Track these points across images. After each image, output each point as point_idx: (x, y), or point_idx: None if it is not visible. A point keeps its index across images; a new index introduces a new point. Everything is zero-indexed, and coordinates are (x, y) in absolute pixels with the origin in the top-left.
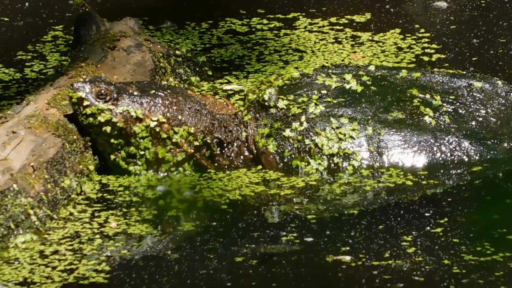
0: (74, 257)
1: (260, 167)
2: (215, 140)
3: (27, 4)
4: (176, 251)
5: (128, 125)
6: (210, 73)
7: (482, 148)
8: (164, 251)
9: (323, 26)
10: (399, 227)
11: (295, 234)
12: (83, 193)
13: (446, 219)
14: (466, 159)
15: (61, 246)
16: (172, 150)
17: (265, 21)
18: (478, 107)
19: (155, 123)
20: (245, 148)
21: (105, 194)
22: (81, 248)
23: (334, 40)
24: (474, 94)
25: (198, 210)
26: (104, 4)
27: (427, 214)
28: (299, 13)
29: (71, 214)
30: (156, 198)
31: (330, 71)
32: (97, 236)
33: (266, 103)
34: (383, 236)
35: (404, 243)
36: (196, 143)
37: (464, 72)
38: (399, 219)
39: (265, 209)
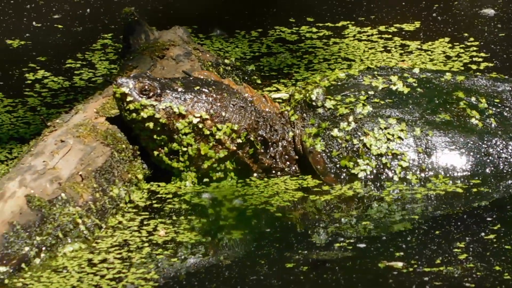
0: (123, 265)
1: (305, 174)
2: (259, 138)
3: (88, 10)
4: (226, 259)
5: (170, 121)
6: (259, 81)
7: None
8: (213, 259)
9: (372, 35)
10: (450, 233)
11: (347, 241)
12: (131, 202)
13: (498, 225)
14: None
15: (109, 254)
16: (215, 147)
17: (314, 30)
18: None
19: (198, 119)
20: (291, 149)
21: (153, 202)
22: (129, 257)
23: (383, 49)
24: None
25: (246, 217)
26: (153, 13)
27: (478, 220)
28: (348, 22)
29: (119, 222)
30: (205, 205)
31: (375, 72)
32: (146, 244)
33: (314, 103)
34: (434, 242)
35: (456, 250)
36: (239, 141)
37: (507, 77)
38: (450, 224)
39: (315, 216)
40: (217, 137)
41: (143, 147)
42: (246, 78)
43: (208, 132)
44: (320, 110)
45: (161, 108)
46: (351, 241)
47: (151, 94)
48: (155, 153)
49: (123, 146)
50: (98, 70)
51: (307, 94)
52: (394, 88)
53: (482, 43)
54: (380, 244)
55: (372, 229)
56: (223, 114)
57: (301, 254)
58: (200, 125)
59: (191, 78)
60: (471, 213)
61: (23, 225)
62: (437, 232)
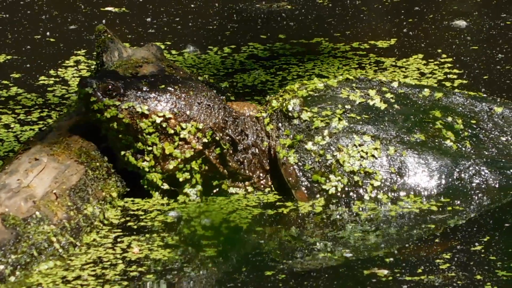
0: (97, 282)
1: (274, 187)
2: (227, 138)
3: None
4: (200, 275)
5: (134, 121)
6: (232, 98)
7: (501, 177)
8: (188, 275)
9: (347, 51)
10: (427, 246)
11: (330, 252)
12: (106, 220)
13: (477, 238)
14: (485, 187)
15: (84, 271)
16: (180, 146)
17: (287, 46)
18: (498, 133)
19: (161, 118)
20: (264, 158)
21: (127, 219)
22: (103, 274)
23: (357, 66)
24: (495, 119)
25: (221, 232)
26: (126, 30)
27: (455, 235)
28: (322, 38)
29: (93, 240)
30: (178, 222)
31: (354, 84)
32: (120, 261)
33: (290, 114)
34: (412, 255)
35: (438, 260)
36: (205, 140)
37: (485, 95)
38: (426, 239)
39: (288, 231)
40: (181, 136)
41: (116, 167)
42: (219, 95)
43: (172, 131)
44: (296, 121)
45: (124, 108)
46: (335, 251)
47: (114, 94)
48: (122, 153)
49: (97, 164)
50: (71, 86)
51: (284, 104)
52: (371, 103)
53: (455, 59)
54: (362, 254)
55: (347, 244)
56: (188, 112)
57: (280, 264)
58: (164, 124)
59: (159, 76)
60: (445, 230)
61: None
62: (411, 245)
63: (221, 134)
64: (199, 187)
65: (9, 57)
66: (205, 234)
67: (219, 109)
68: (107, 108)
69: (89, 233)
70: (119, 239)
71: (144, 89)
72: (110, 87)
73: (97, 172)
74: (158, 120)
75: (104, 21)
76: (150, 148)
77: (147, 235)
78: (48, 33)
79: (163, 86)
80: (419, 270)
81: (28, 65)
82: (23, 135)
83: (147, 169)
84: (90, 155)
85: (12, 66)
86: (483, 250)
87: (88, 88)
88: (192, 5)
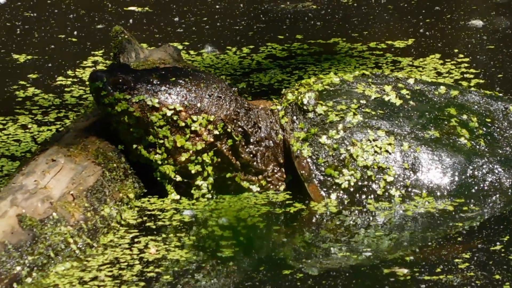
0: (114, 283)
1: (288, 181)
2: (239, 129)
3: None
4: (217, 275)
5: (144, 114)
6: (249, 99)
7: None
8: (205, 276)
9: (363, 51)
10: (445, 245)
11: (349, 251)
12: (123, 221)
13: (496, 237)
14: (498, 185)
15: (100, 272)
16: (192, 139)
17: (305, 46)
18: None
19: (172, 111)
20: (279, 151)
21: (144, 219)
22: (120, 274)
23: (374, 65)
24: (510, 118)
25: (238, 231)
26: (144, 31)
27: (470, 234)
28: (339, 39)
29: (110, 240)
30: (193, 221)
31: (370, 80)
32: (137, 262)
33: (305, 107)
34: (434, 253)
35: (456, 260)
36: (216, 132)
37: (501, 95)
38: (443, 238)
39: (307, 230)
40: (192, 128)
41: (134, 167)
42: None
43: (183, 124)
44: (311, 115)
45: (134, 101)
46: (353, 250)
47: (124, 87)
48: (134, 146)
49: (114, 165)
50: (88, 87)
51: (299, 97)
52: (386, 98)
53: (472, 58)
54: (382, 253)
55: (363, 243)
56: (198, 105)
57: (298, 263)
58: (175, 117)
59: (170, 69)
60: (461, 228)
61: (14, 245)
62: (429, 244)
63: (232, 126)
64: (210, 179)
65: (29, 57)
66: (221, 233)
67: (230, 101)
68: (117, 102)
69: (106, 234)
70: (136, 240)
71: (154, 82)
72: (120, 80)
73: (114, 173)
74: (169, 113)
75: (131, 20)
76: (161, 141)
77: (164, 235)
78: (75, 32)
79: (173, 79)
80: (438, 270)
81: (48, 65)
82: (40, 136)
83: (159, 162)
84: (107, 156)
85: (32, 66)
86: (503, 250)
87: (99, 82)
88: (217, 6)
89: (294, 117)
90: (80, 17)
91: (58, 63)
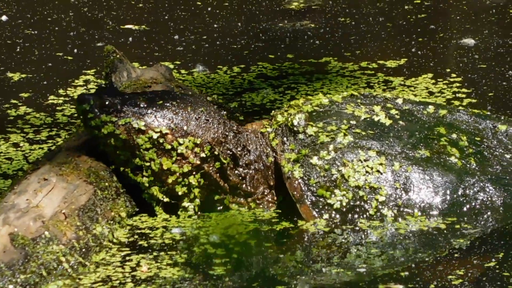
0: None
1: (279, 203)
2: (228, 152)
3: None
4: None
5: (131, 137)
6: (241, 118)
7: (506, 194)
8: None
9: (355, 71)
10: (438, 262)
11: (342, 268)
12: (115, 239)
13: (488, 255)
14: (490, 204)
15: None
16: (178, 161)
17: (296, 66)
18: (502, 151)
19: (158, 134)
20: (270, 174)
21: (136, 238)
22: None
23: (366, 85)
24: (499, 137)
25: (229, 249)
26: (135, 50)
27: (463, 253)
28: (331, 58)
29: (102, 259)
30: (183, 239)
31: (359, 100)
32: (129, 280)
33: (295, 128)
34: (428, 270)
35: (450, 276)
36: (203, 155)
37: (489, 113)
38: (435, 255)
39: (299, 247)
40: (179, 151)
41: (126, 186)
42: (228, 115)
43: (169, 147)
44: (301, 136)
45: (121, 124)
46: (346, 266)
47: (111, 110)
48: (121, 169)
49: (106, 184)
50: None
51: (289, 119)
52: (376, 119)
53: (464, 78)
54: (375, 270)
55: (355, 263)
56: (185, 128)
57: (292, 280)
58: (161, 140)
59: (158, 92)
60: (453, 246)
61: (6, 263)
62: (422, 261)
63: (220, 149)
64: (197, 201)
65: (23, 75)
66: (212, 251)
67: (218, 124)
68: (104, 124)
69: (98, 252)
70: (128, 258)
71: (141, 105)
72: (107, 103)
73: (106, 192)
74: (155, 135)
75: (130, 38)
76: (148, 164)
77: (155, 253)
78: (75, 50)
79: (161, 102)
80: (432, 286)
81: (41, 84)
82: (32, 154)
83: (147, 184)
84: (99, 175)
85: (25, 85)
86: (497, 266)
87: (86, 105)
88: (215, 25)
89: (285, 139)
90: (80, 35)
91: (52, 82)
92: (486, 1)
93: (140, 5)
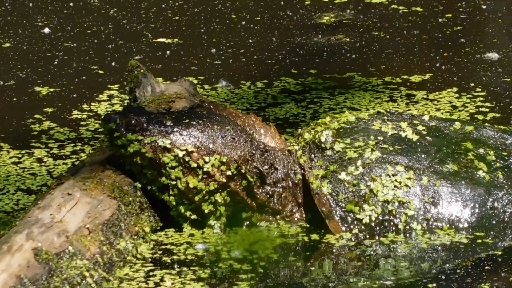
0: None
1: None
2: (255, 170)
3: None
4: None
5: (156, 156)
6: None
7: None
8: None
9: (378, 85)
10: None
11: (370, 281)
12: (139, 255)
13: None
14: None
15: None
16: (204, 179)
17: (320, 80)
18: None
19: (183, 152)
20: (298, 191)
21: (160, 253)
22: None
23: (389, 99)
24: None
25: (254, 264)
26: (159, 65)
27: (493, 267)
28: (355, 73)
29: (126, 274)
30: (207, 255)
31: (385, 117)
32: None
33: (323, 145)
34: (456, 282)
35: None
36: (229, 173)
37: None
38: (464, 269)
39: (324, 263)
40: (205, 169)
41: (151, 200)
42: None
43: (195, 165)
44: (329, 152)
45: (146, 142)
46: (368, 283)
47: (137, 128)
48: (149, 187)
49: (130, 199)
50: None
51: (316, 135)
52: (403, 134)
53: (488, 92)
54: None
55: (383, 275)
56: (210, 146)
57: None
58: (187, 158)
59: (185, 112)
60: (482, 260)
61: (30, 278)
62: (451, 275)
63: (247, 167)
64: (223, 219)
65: (52, 89)
66: (237, 266)
67: (245, 142)
68: (130, 143)
69: (122, 267)
70: (151, 273)
71: (167, 124)
72: (133, 122)
73: (130, 207)
74: (180, 154)
75: (168, 52)
76: (174, 182)
77: (179, 269)
78: (113, 63)
79: (187, 120)
80: None
81: (67, 98)
82: (55, 170)
83: (174, 203)
84: (123, 190)
85: (51, 99)
86: None
87: (112, 124)
88: (250, 40)
89: (312, 155)
90: (118, 48)
91: (77, 96)
92: None
93: (177, 17)
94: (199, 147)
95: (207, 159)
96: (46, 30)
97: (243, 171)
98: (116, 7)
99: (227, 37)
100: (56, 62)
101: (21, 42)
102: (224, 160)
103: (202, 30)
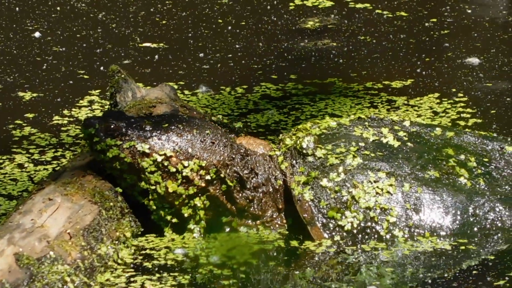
0: None
1: (289, 226)
2: (235, 175)
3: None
4: None
5: (135, 160)
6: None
7: None
8: None
9: (358, 91)
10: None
11: (353, 286)
12: (120, 260)
13: (497, 279)
14: (500, 224)
15: None
16: (183, 184)
17: (300, 86)
18: (511, 171)
19: (162, 157)
20: (279, 197)
21: (140, 258)
22: None
23: (369, 105)
24: (506, 158)
25: (234, 270)
26: (139, 70)
27: (473, 274)
28: (335, 78)
29: (107, 279)
30: (187, 260)
31: (366, 123)
32: None
33: (304, 151)
34: None
35: None
36: (208, 177)
37: (495, 135)
38: (445, 276)
39: (302, 268)
40: (184, 174)
41: (131, 205)
42: (233, 135)
43: (174, 170)
44: (311, 158)
45: (125, 147)
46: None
47: (116, 133)
48: (129, 192)
49: (111, 204)
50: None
51: (298, 141)
52: (384, 140)
53: (469, 97)
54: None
55: (366, 281)
56: (189, 150)
57: None
58: (165, 163)
59: (164, 116)
60: (463, 267)
61: (12, 283)
62: (433, 282)
63: (226, 171)
64: (203, 223)
65: (35, 94)
66: (217, 271)
67: (224, 146)
68: (109, 148)
69: (103, 273)
70: (132, 279)
71: (146, 129)
72: (112, 127)
73: (111, 212)
74: (159, 158)
75: (156, 56)
76: (153, 187)
77: (160, 274)
78: (102, 68)
79: (166, 125)
80: None
81: (52, 103)
82: (37, 175)
83: (154, 207)
84: (104, 195)
85: (33, 104)
86: (508, 285)
87: (91, 129)
88: (237, 45)
89: (294, 161)
90: (107, 52)
91: (59, 101)
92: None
93: (164, 21)
94: (178, 152)
95: (186, 163)
96: (37, 34)
97: (222, 175)
98: (104, 11)
99: (213, 41)
100: (44, 67)
101: (10, 46)
102: (203, 165)
103: (190, 35)
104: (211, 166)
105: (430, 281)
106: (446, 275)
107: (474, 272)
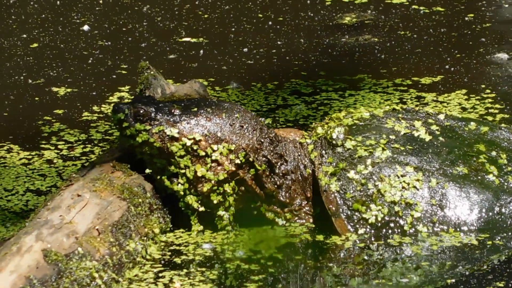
0: None
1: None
2: (263, 159)
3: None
4: None
5: (165, 145)
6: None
7: None
8: None
9: (388, 87)
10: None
11: (378, 283)
12: (148, 256)
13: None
14: None
15: None
16: (213, 168)
17: (330, 82)
18: None
19: (191, 141)
20: (307, 185)
21: (169, 254)
22: None
23: (398, 101)
24: None
25: (262, 265)
26: (169, 66)
27: (497, 273)
28: (365, 75)
29: (135, 275)
30: (215, 255)
31: (400, 115)
32: None
33: (334, 141)
34: (463, 285)
35: None
36: (238, 161)
37: None
38: (468, 274)
39: (329, 264)
40: (213, 158)
41: (162, 201)
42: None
43: (203, 153)
44: (340, 149)
45: (154, 132)
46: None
47: (145, 118)
48: (158, 177)
49: (140, 200)
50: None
51: (329, 132)
52: (416, 134)
53: (497, 93)
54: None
55: (391, 275)
56: (218, 134)
57: None
58: (195, 147)
59: (194, 100)
60: (486, 265)
61: (40, 279)
62: (455, 280)
63: (255, 155)
64: (232, 209)
65: (69, 90)
66: (246, 266)
67: (253, 130)
68: (138, 133)
69: (131, 269)
70: (160, 274)
71: (175, 113)
72: (141, 111)
73: (140, 208)
74: (188, 142)
75: (201, 51)
76: (183, 171)
77: (188, 270)
78: (147, 62)
79: (195, 109)
80: None
81: (86, 98)
82: (65, 171)
83: (182, 192)
84: (133, 192)
85: (65, 100)
86: None
87: (121, 114)
88: (279, 42)
89: (323, 151)
90: (151, 46)
91: (92, 96)
92: None
93: (206, 15)
94: (207, 136)
95: (215, 147)
96: (86, 27)
97: (251, 159)
98: (149, 4)
99: (255, 37)
100: (90, 61)
101: (57, 40)
102: (233, 148)
103: (233, 29)
104: (240, 149)
105: (453, 276)
106: (470, 270)
107: (497, 268)
